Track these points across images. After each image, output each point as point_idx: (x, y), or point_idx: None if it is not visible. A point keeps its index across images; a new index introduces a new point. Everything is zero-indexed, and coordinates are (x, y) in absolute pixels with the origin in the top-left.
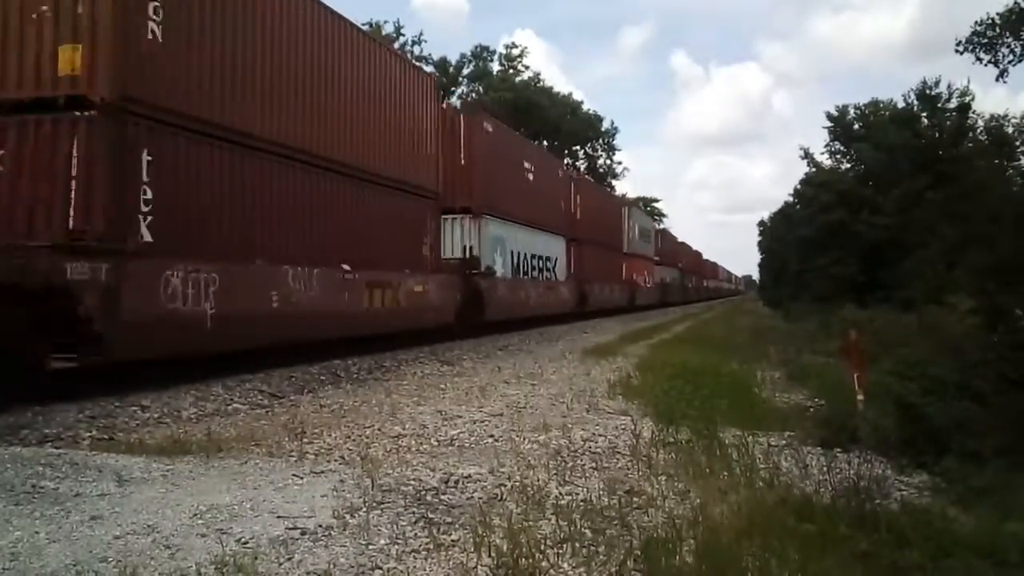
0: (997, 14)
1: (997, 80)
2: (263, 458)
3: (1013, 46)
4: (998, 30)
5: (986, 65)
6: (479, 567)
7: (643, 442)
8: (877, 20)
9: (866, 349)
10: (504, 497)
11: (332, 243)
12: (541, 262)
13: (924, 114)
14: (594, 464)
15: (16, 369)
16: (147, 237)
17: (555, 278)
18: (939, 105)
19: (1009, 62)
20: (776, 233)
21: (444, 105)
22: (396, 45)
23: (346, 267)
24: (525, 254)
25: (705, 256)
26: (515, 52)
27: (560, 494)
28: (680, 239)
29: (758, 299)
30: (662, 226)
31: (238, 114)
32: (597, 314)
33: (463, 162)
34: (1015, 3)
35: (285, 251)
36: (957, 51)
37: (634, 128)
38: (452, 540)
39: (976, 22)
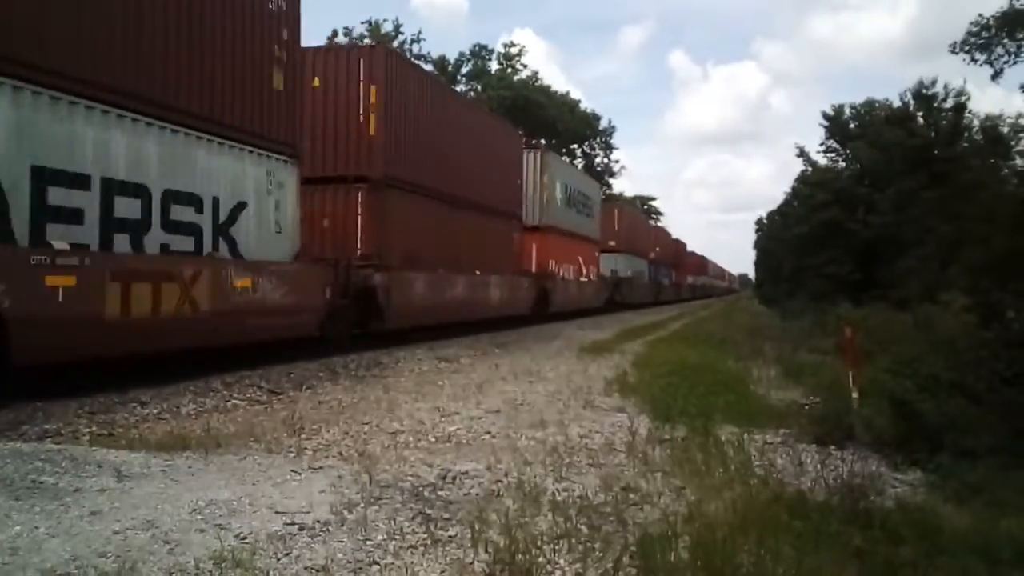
0: (991, 16)
1: (992, 80)
2: (262, 454)
3: (1008, 46)
4: (993, 31)
5: (981, 65)
6: (476, 563)
7: (639, 439)
8: (875, 20)
9: (861, 347)
10: (501, 493)
11: None
12: (144, 208)
13: (920, 114)
14: (590, 461)
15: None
16: None
17: (234, 253)
18: (935, 105)
19: (1005, 62)
20: (772, 232)
21: None
22: (395, 44)
23: None
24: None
25: (693, 248)
26: (513, 51)
27: (557, 490)
28: (661, 223)
29: (753, 297)
30: (660, 224)
31: None
32: (426, 336)
33: None
34: (1010, 5)
35: None
36: (952, 52)
37: (632, 127)
38: (449, 536)
39: (971, 23)
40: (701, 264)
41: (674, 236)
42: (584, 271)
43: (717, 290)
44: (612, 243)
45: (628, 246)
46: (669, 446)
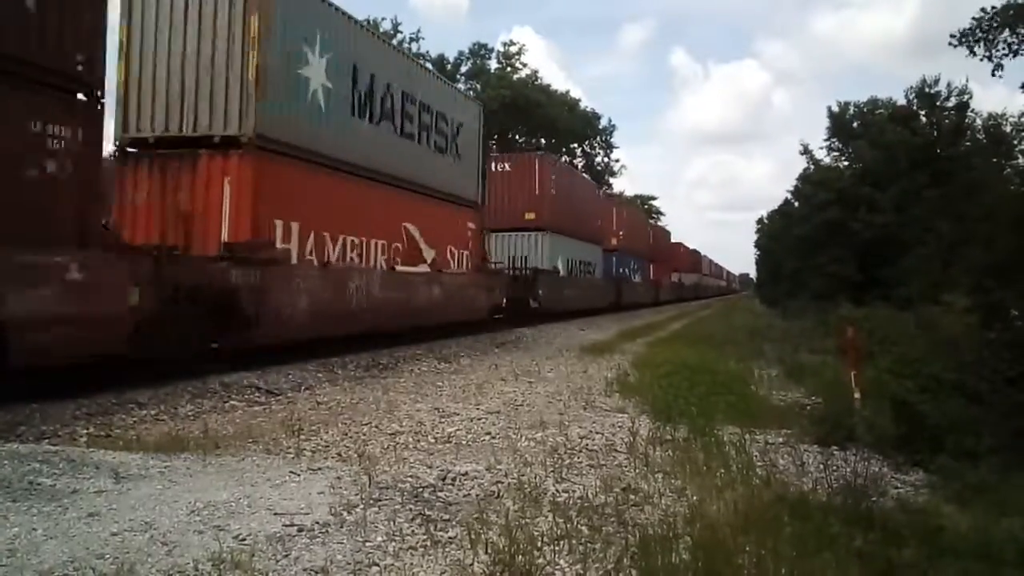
0: (993, 8)
1: (992, 74)
2: (260, 455)
3: (1009, 40)
4: (996, 23)
5: (981, 60)
6: (476, 564)
7: (640, 440)
8: (878, 18)
9: (863, 347)
10: (501, 494)
11: None
12: None
13: (923, 112)
14: (591, 461)
15: None
16: None
17: None
18: (938, 103)
19: (1003, 55)
20: (773, 231)
21: None
22: (394, 42)
23: None
24: None
25: (691, 246)
26: (513, 50)
27: (557, 491)
28: (661, 223)
29: (754, 297)
30: (662, 226)
31: None
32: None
33: None
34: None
35: None
36: (951, 44)
37: (633, 126)
38: (449, 537)
39: (973, 18)
40: (693, 259)
41: (649, 223)
42: (426, 254)
43: (713, 290)
44: (530, 216)
45: (562, 224)
46: (670, 447)
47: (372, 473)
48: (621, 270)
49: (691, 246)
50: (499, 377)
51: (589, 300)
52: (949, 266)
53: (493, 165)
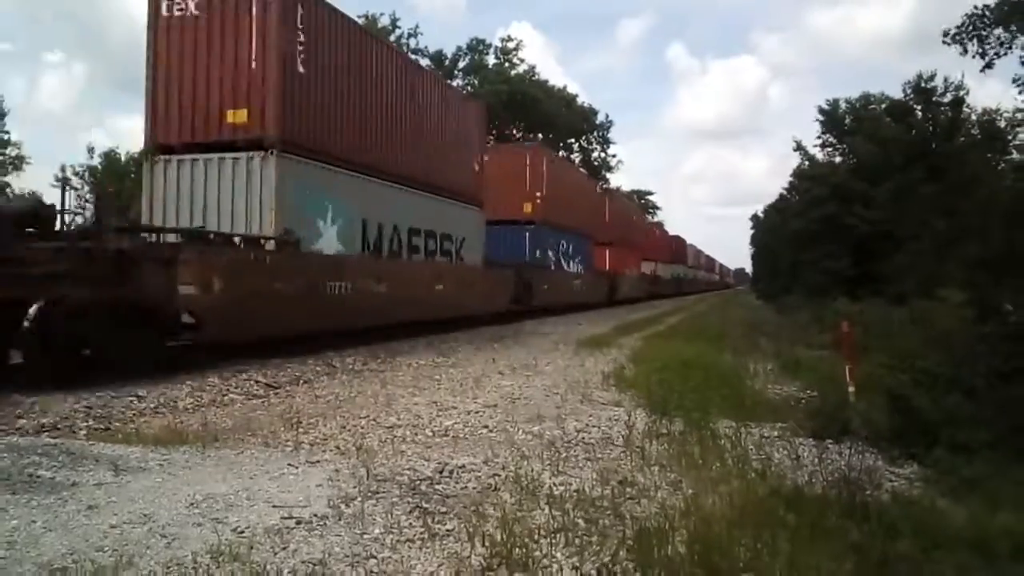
0: (985, 6)
1: (982, 71)
2: (259, 448)
3: (1002, 37)
4: (988, 20)
5: (973, 57)
6: (473, 556)
7: (636, 433)
8: (874, 13)
9: (858, 341)
10: (498, 487)
11: None
12: None
13: (919, 108)
14: (587, 455)
15: None
16: None
17: None
18: (934, 99)
19: (995, 54)
20: (769, 226)
21: None
22: (392, 38)
23: None
24: None
25: (659, 223)
26: (511, 45)
27: (554, 484)
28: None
29: (751, 292)
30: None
31: None
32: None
33: None
34: None
35: None
36: (944, 42)
37: (630, 121)
38: (446, 530)
39: (966, 15)
40: (675, 247)
41: (630, 197)
42: None
43: (702, 285)
44: (238, 117)
45: (336, 145)
46: (666, 440)
47: (370, 466)
48: (539, 253)
49: (685, 237)
50: (496, 370)
51: (437, 303)
52: (943, 261)
53: (164, 6)
